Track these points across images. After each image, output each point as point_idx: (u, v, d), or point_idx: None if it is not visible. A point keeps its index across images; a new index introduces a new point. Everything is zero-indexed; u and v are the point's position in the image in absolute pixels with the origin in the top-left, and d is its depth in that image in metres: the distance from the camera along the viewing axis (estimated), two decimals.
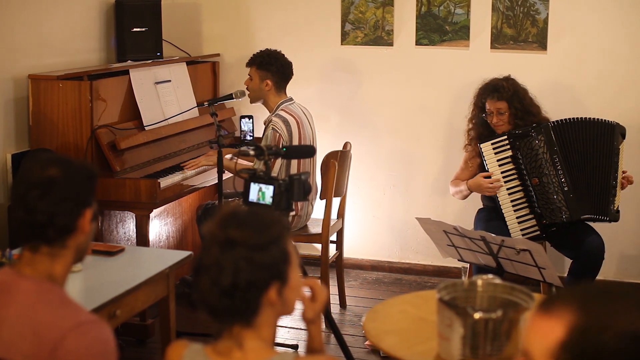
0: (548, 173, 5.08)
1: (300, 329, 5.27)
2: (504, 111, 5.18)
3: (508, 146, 5.13)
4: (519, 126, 5.16)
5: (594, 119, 5.18)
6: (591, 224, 5.19)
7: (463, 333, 2.80)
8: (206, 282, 2.11)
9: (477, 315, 2.77)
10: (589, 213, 5.11)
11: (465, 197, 5.41)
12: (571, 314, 1.58)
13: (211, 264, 2.11)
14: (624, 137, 5.22)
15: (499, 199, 5.16)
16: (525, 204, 5.15)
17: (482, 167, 5.25)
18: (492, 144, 5.16)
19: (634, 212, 5.97)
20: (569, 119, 5.15)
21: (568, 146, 5.12)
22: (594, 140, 5.13)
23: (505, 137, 5.13)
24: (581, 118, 5.17)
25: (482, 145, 5.16)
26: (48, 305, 2.33)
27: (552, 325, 1.59)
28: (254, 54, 5.53)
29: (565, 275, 5.22)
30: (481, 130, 5.33)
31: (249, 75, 5.51)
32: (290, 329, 5.31)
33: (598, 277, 5.51)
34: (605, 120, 5.18)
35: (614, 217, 5.15)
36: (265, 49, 5.54)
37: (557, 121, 5.15)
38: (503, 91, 5.18)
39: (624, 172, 5.20)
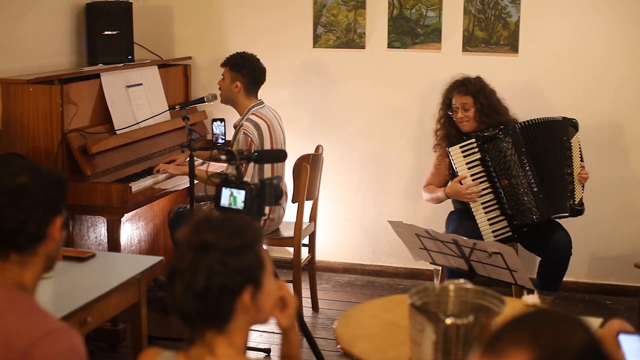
0: (517, 174, 5.11)
1: (273, 332, 5.26)
2: (469, 107, 5.21)
3: (476, 149, 5.15)
4: (484, 123, 5.18)
5: (548, 117, 5.23)
6: (558, 220, 5.22)
7: (435, 338, 2.81)
8: (180, 286, 2.10)
9: (448, 321, 2.77)
10: (557, 212, 5.15)
11: (440, 202, 5.42)
12: (526, 351, 1.56)
13: (185, 268, 2.10)
14: (576, 128, 5.27)
15: (469, 201, 5.18)
16: (496, 206, 5.17)
17: (451, 168, 5.26)
18: (461, 147, 5.17)
19: (604, 214, 6.01)
20: (535, 119, 5.19)
21: (535, 147, 5.16)
22: (551, 138, 5.19)
23: (474, 140, 5.16)
24: (543, 118, 5.21)
25: (450, 149, 5.18)
26: (17, 314, 2.31)
27: None
28: (230, 55, 5.52)
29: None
30: (449, 129, 5.35)
31: (222, 75, 5.50)
32: (262, 332, 5.30)
33: (568, 279, 5.56)
34: (552, 117, 5.25)
35: (574, 211, 5.19)
36: (242, 52, 5.53)
37: (523, 122, 5.18)
38: (470, 86, 5.23)
39: (582, 165, 5.24)
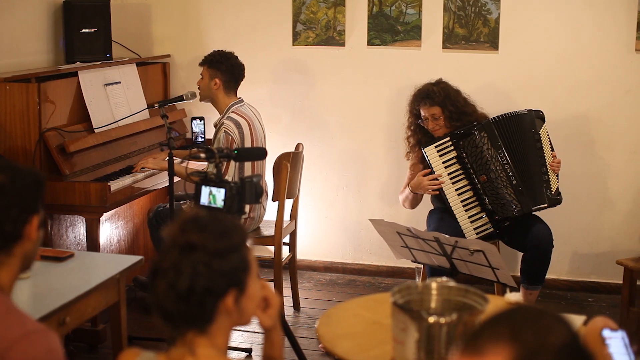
0: (495, 169, 5.11)
1: (254, 332, 5.24)
2: (438, 116, 5.22)
3: (452, 147, 5.15)
4: (455, 127, 5.19)
5: (515, 111, 5.25)
6: (537, 213, 5.22)
7: (418, 337, 2.78)
8: (163, 285, 2.08)
9: (431, 319, 2.75)
10: (536, 203, 5.15)
11: (413, 204, 5.41)
12: (506, 347, 1.56)
13: (169, 267, 2.08)
14: (543, 119, 5.29)
15: (448, 200, 5.18)
16: (476, 203, 5.17)
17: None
18: (436, 146, 5.17)
19: (585, 211, 6.01)
20: (504, 114, 5.21)
21: (509, 140, 5.17)
22: (522, 131, 5.20)
23: (448, 138, 5.16)
24: (511, 112, 5.22)
25: (425, 149, 5.17)
26: None
27: None
28: (208, 54, 5.50)
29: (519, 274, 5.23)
30: (420, 136, 5.37)
31: (200, 74, 5.48)
32: (243, 332, 5.27)
33: (550, 276, 5.55)
34: (519, 111, 5.28)
35: (552, 201, 5.19)
36: (219, 50, 5.52)
37: (497, 116, 5.18)
38: (434, 96, 5.22)
39: (554, 155, 5.24)
